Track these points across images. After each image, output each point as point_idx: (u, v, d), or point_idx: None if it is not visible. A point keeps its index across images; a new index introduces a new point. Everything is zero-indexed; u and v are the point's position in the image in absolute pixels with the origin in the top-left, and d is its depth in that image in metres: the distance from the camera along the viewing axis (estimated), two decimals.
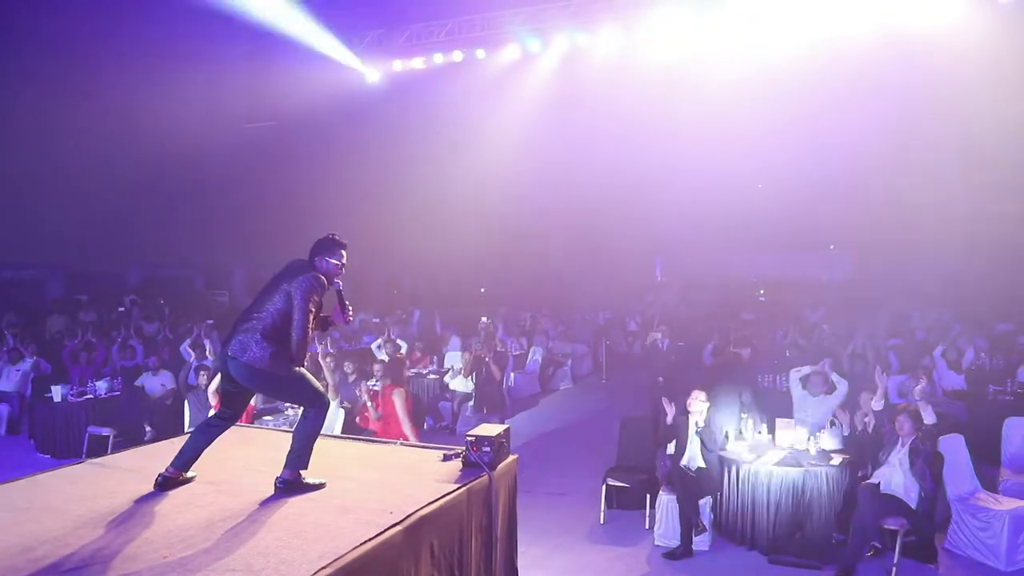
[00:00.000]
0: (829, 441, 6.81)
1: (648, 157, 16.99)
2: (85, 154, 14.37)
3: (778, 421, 7.12)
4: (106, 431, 9.43)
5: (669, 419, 7.04)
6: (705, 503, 6.58)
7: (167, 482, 4.13)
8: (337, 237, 4.39)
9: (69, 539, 3.44)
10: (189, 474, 4.24)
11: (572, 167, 17.47)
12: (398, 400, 7.92)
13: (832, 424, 6.96)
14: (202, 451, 4.27)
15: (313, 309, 4.21)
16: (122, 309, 16.37)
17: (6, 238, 14.22)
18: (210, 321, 12.56)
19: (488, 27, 14.47)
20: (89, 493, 4.12)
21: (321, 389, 4.33)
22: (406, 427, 7.90)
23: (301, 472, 4.14)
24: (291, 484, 4.09)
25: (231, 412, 4.36)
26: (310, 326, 4.20)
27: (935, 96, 13.50)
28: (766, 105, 14.34)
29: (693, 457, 6.81)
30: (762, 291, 19.50)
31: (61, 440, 9.64)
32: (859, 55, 12.64)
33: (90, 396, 9.95)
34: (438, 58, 15.44)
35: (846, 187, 16.93)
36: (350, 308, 4.55)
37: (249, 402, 4.49)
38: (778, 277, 19.58)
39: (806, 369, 7.56)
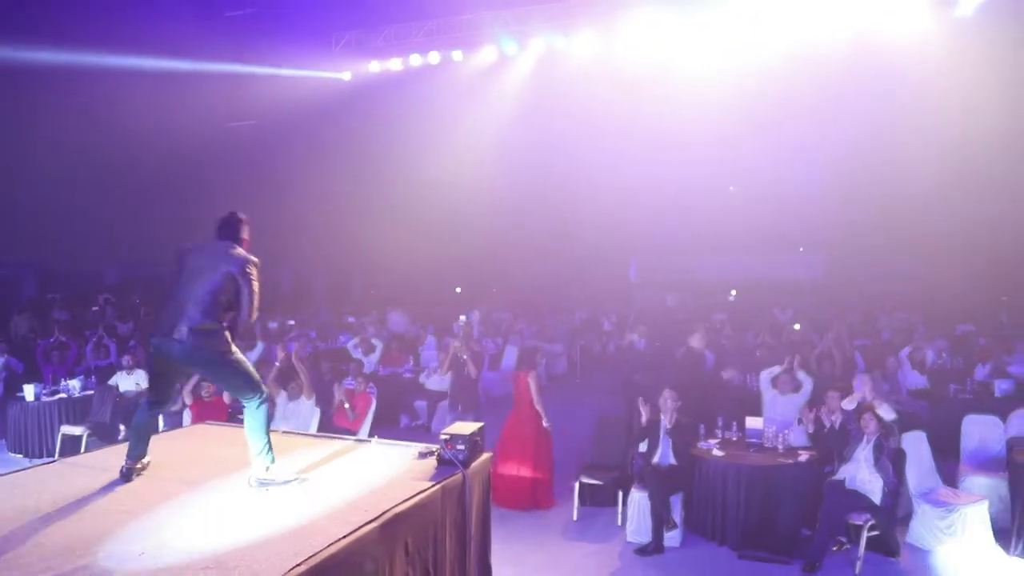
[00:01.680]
0: (797, 438, 6.98)
1: (623, 159, 17.15)
2: (63, 152, 14.21)
3: (747, 419, 7.27)
4: (79, 430, 9.37)
5: (644, 419, 7.16)
6: (676, 500, 6.70)
7: (130, 472, 4.27)
8: (240, 215, 4.64)
9: (42, 539, 3.44)
10: (145, 460, 4.40)
11: (548, 168, 17.59)
12: (533, 383, 7.86)
13: (799, 422, 7.12)
14: (149, 438, 4.44)
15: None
16: (96, 308, 16.22)
17: None
18: None
19: (466, 29, 14.53)
20: (62, 492, 4.11)
21: (259, 379, 4.39)
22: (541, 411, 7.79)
23: (270, 467, 4.22)
24: (265, 481, 4.16)
25: (162, 397, 4.45)
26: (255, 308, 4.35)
27: (906, 102, 13.80)
28: (739, 109, 14.56)
29: (664, 454, 6.93)
30: (734, 292, 19.75)
31: (33, 439, 9.57)
32: (831, 61, 12.89)
33: (63, 395, 9.88)
34: (415, 59, 15.46)
35: (817, 190, 17.21)
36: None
37: (175, 386, 4.59)
38: (749, 278, 19.85)
39: (776, 369, 7.72)
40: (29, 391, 9.77)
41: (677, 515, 6.64)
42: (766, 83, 13.72)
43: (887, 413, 6.28)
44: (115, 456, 5.03)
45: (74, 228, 16.45)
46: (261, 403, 4.31)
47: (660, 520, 6.50)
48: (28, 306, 15.96)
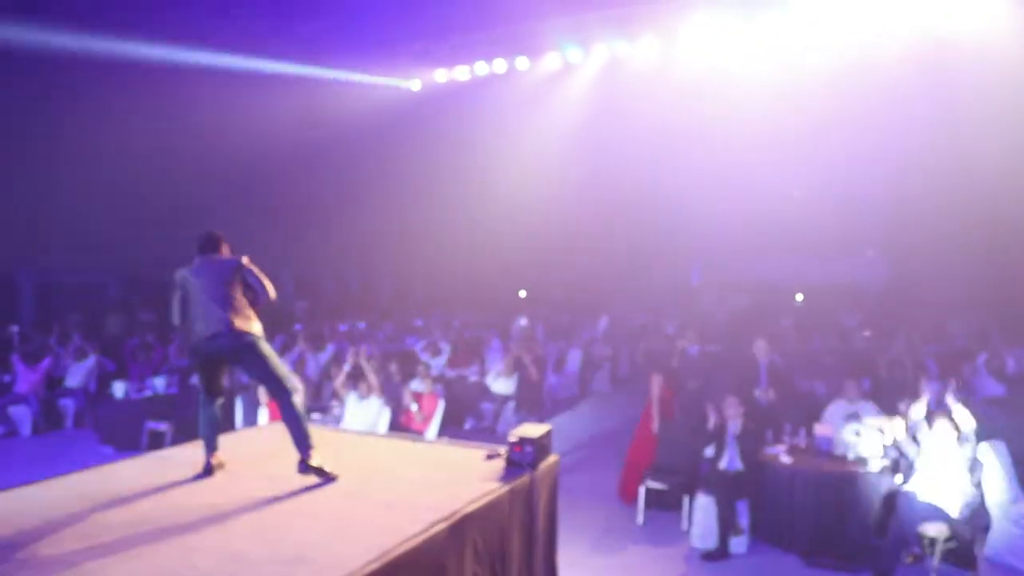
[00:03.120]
0: (867, 446, 6.85)
1: (686, 164, 17.00)
2: (137, 168, 14.85)
3: (816, 425, 7.18)
4: (164, 426, 9.80)
5: (711, 424, 7.14)
6: (743, 505, 6.66)
7: (210, 466, 4.64)
8: (217, 233, 5.02)
9: (134, 529, 3.63)
10: (220, 455, 4.75)
11: (611, 173, 17.55)
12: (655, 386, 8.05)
13: (870, 430, 6.99)
14: (218, 431, 4.82)
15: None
16: None
17: (70, 248, 14.84)
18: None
19: (530, 36, 14.65)
20: (150, 484, 4.35)
21: (289, 374, 4.74)
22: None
23: (310, 453, 4.46)
24: (307, 467, 4.44)
25: (216, 390, 4.83)
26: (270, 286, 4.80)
27: (973, 101, 13.29)
28: (802, 112, 14.27)
29: (731, 460, 6.90)
30: (800, 296, 19.33)
31: (122, 434, 10.05)
32: (895, 60, 12.53)
33: (149, 392, 10.40)
34: (481, 67, 15.66)
35: (883, 192, 16.72)
36: None
37: (222, 378, 4.87)
38: (815, 282, 19.39)
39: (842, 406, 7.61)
40: (119, 388, 10.33)
41: (744, 521, 6.61)
42: (829, 85, 13.42)
43: (964, 422, 6.11)
44: (198, 451, 5.31)
45: (150, 237, 17.22)
46: (294, 395, 4.60)
47: (726, 525, 6.48)
48: (117, 308, 16.78)
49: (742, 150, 15.61)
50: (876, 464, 6.56)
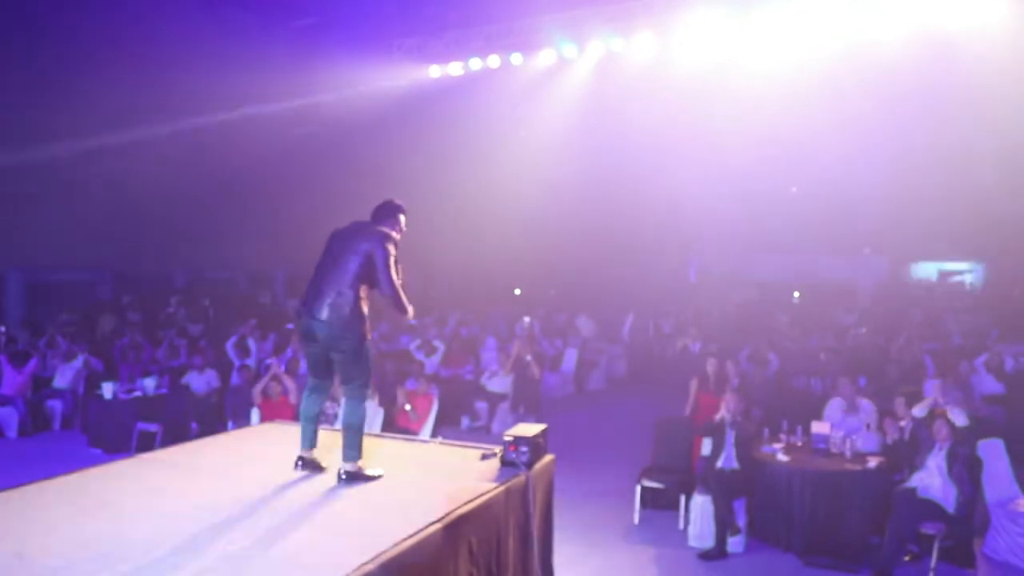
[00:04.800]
0: (865, 444, 6.82)
1: (683, 160, 16.95)
2: (131, 162, 14.76)
3: (813, 424, 7.13)
4: (154, 427, 9.71)
5: (691, 397, 7.11)
6: (740, 504, 6.62)
7: (304, 462, 4.45)
8: (397, 201, 4.63)
9: (125, 531, 3.56)
10: (316, 454, 4.50)
11: (608, 170, 17.49)
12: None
13: (868, 428, 6.96)
14: (316, 427, 4.52)
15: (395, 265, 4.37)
16: (171, 310, 16.82)
17: (59, 243, 14.68)
18: (253, 321, 12.87)
19: (524, 32, 14.56)
20: (141, 487, 4.28)
21: (371, 377, 4.51)
22: None
23: (359, 463, 4.31)
24: (353, 475, 4.27)
25: (323, 382, 4.55)
26: (398, 280, 4.35)
27: (971, 99, 13.28)
28: (800, 109, 14.24)
29: (728, 458, 6.85)
30: (797, 294, 19.35)
31: (112, 435, 9.93)
32: (895, 58, 12.49)
33: (139, 393, 10.27)
34: (475, 63, 15.57)
35: (881, 190, 16.71)
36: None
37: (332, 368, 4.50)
38: (812, 280, 19.42)
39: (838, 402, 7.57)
40: (107, 389, 10.18)
41: (741, 520, 6.56)
42: (827, 82, 13.37)
43: (959, 419, 6.07)
44: (187, 453, 5.23)
45: (144, 234, 17.11)
46: (364, 400, 4.42)
47: (723, 525, 6.43)
48: (106, 308, 16.65)
49: (739, 147, 15.57)
50: (874, 462, 6.51)
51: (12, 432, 10.71)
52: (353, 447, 4.31)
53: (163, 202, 16.69)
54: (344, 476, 4.26)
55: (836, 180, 16.57)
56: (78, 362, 11.70)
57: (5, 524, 3.68)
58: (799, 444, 7.05)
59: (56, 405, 11.32)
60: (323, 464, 4.46)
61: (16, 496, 4.14)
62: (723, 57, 13.43)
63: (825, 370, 8.89)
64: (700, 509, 6.65)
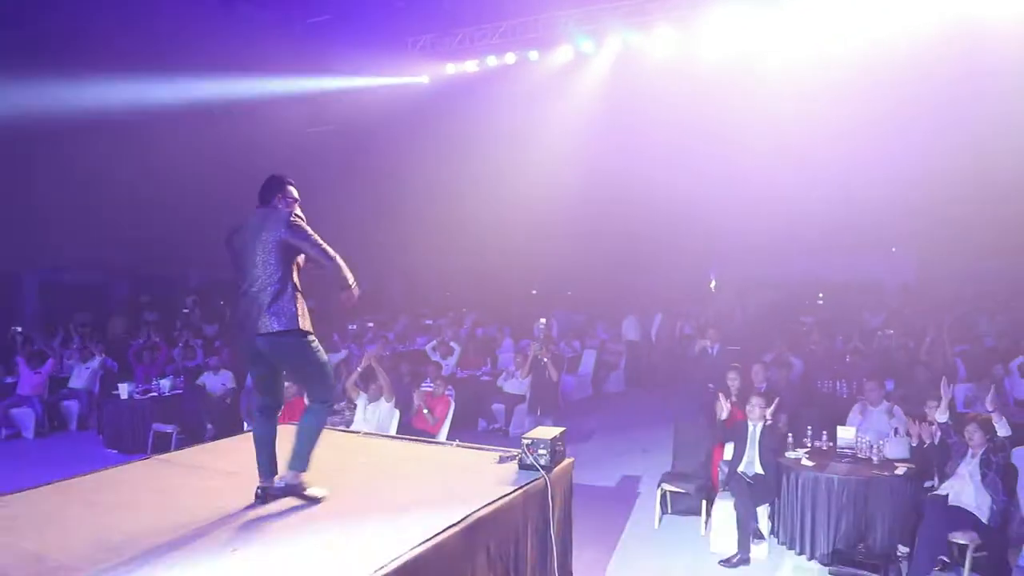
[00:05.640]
0: (893, 450, 6.62)
1: (703, 158, 16.73)
2: (145, 161, 14.79)
3: (839, 428, 6.95)
4: (170, 428, 9.68)
5: (723, 414, 6.92)
6: (763, 510, 6.45)
7: (264, 493, 4.00)
8: (277, 175, 4.23)
9: (141, 532, 3.56)
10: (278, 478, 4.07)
11: (626, 168, 17.29)
12: None
13: (895, 433, 6.76)
14: (274, 449, 4.13)
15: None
16: (186, 311, 16.84)
17: (75, 243, 14.73)
18: None
19: (541, 28, 14.44)
20: (156, 488, 4.29)
21: (334, 384, 4.24)
22: None
23: (303, 476, 3.96)
24: (291, 488, 3.93)
25: (274, 397, 4.19)
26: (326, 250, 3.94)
27: (1005, 92, 12.96)
28: (825, 105, 13.99)
29: (751, 463, 6.68)
30: (821, 294, 19.03)
31: (128, 436, 9.92)
32: (923, 50, 12.23)
33: (155, 394, 10.25)
34: (491, 60, 15.48)
35: (908, 186, 16.39)
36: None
37: (282, 383, 4.23)
38: (836, 280, 19.09)
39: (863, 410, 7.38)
40: (124, 389, 10.17)
41: (764, 526, 6.39)
42: (854, 75, 13.09)
43: (1003, 428, 5.81)
44: (203, 454, 5.19)
45: (159, 235, 17.17)
46: (329, 406, 4.15)
47: (746, 531, 6.27)
48: (122, 308, 16.69)
49: (762, 144, 15.31)
50: (903, 468, 6.32)
51: (29, 432, 10.72)
52: (302, 457, 3.98)
53: (178, 202, 16.74)
54: (279, 486, 3.93)
55: (862, 176, 16.25)
56: (94, 362, 11.71)
57: (25, 524, 3.70)
58: (824, 449, 6.88)
59: (72, 405, 11.33)
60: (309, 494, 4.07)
61: (35, 496, 4.19)
62: (745, 51, 13.22)
63: (851, 373, 8.69)
64: (723, 515, 6.49)
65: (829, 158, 15.90)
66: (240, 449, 5.35)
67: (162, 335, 13.55)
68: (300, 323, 3.87)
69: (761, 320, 14.67)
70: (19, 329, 12.65)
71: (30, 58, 12.33)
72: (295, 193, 4.20)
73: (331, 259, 3.92)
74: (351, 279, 3.99)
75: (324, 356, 4.05)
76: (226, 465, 4.74)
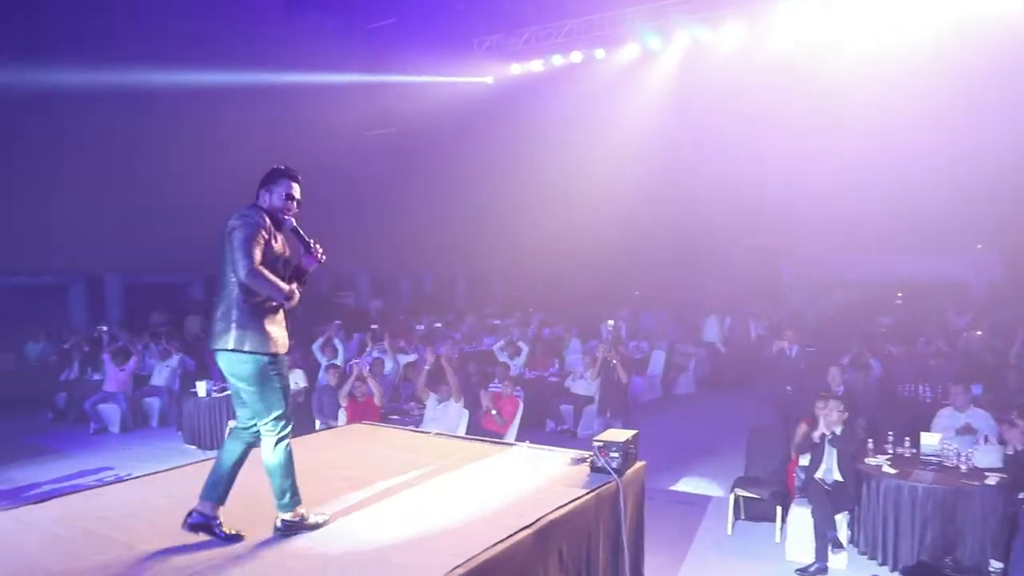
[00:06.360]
0: (983, 458, 6.29)
1: (774, 154, 16.33)
2: (218, 163, 15.27)
3: (923, 435, 6.65)
4: None
5: (801, 430, 6.70)
6: (842, 518, 6.22)
7: (196, 520, 3.52)
8: (283, 167, 3.76)
9: (228, 523, 3.61)
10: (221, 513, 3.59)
11: (695, 165, 17.02)
12: None
13: (986, 440, 6.43)
14: (225, 476, 3.64)
15: (261, 248, 3.46)
16: None
17: (154, 246, 15.30)
18: (338, 322, 13.07)
19: (607, 26, 14.33)
20: (235, 483, 4.35)
21: (286, 407, 3.58)
22: None
23: (299, 510, 3.65)
24: (292, 525, 3.61)
25: (240, 421, 3.73)
26: (263, 269, 3.43)
27: None
28: (901, 97, 13.44)
29: (829, 469, 6.45)
30: (900, 294, 18.30)
31: (205, 432, 10.21)
32: (1001, 39, 11.64)
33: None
34: (556, 60, 15.43)
35: (993, 180, 15.60)
36: (316, 246, 3.78)
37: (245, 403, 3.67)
38: (918, 279, 18.29)
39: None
40: (201, 387, 10.47)
41: (843, 535, 6.16)
42: (929, 66, 12.53)
43: None
44: None
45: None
46: (281, 437, 3.57)
47: (824, 539, 6.05)
48: (198, 308, 17.24)
49: (836, 138, 14.84)
50: (995, 478, 6.00)
51: (115, 427, 11.16)
52: (284, 493, 3.59)
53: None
54: (280, 527, 3.57)
55: (942, 170, 15.55)
56: (173, 361, 12.11)
57: (117, 516, 3.84)
58: (907, 456, 6.59)
59: (154, 402, 11.74)
60: (226, 529, 3.55)
61: (124, 489, 4.40)
62: (816, 43, 12.84)
63: (935, 376, 8.32)
64: (799, 522, 6.28)
65: (907, 152, 15.31)
66: (313, 447, 5.46)
67: None
68: (245, 342, 3.42)
69: (836, 321, 14.21)
70: (105, 328, 13.18)
71: (122, 69, 12.90)
72: (290, 189, 3.71)
73: (245, 272, 3.38)
74: (275, 295, 3.47)
75: (281, 381, 3.55)
76: (302, 464, 4.79)
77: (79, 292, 16.69)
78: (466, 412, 7.95)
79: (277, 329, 3.56)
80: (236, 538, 3.52)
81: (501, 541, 3.41)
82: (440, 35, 15.75)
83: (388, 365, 10.75)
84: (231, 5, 14.18)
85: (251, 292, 3.45)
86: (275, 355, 3.52)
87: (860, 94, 13.26)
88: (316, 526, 3.65)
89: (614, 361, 9.41)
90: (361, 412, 7.90)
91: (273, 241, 3.55)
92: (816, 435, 6.48)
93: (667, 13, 13.51)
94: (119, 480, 4.68)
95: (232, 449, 3.65)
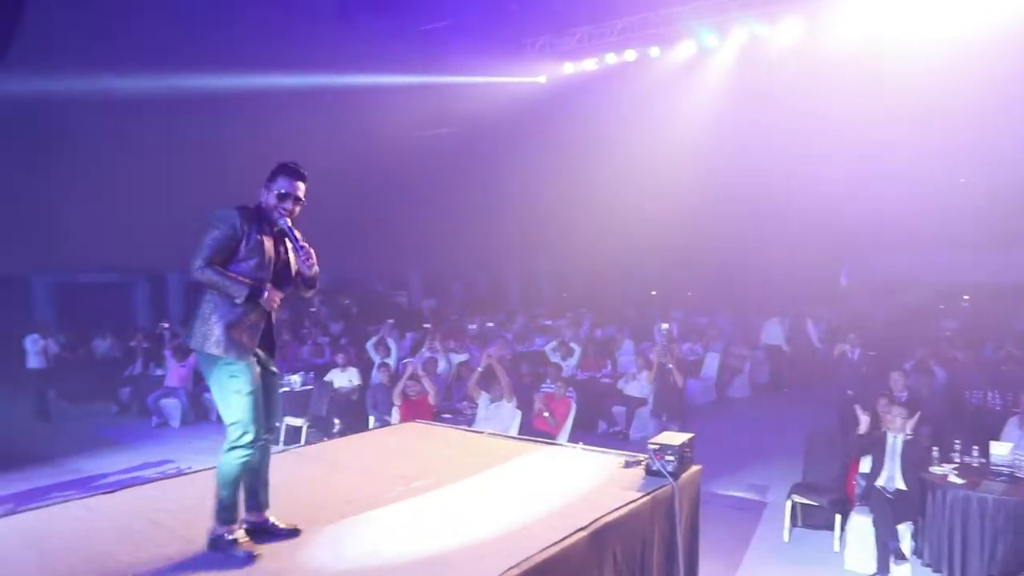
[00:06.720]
0: None
1: (834, 151, 15.91)
2: (270, 164, 15.57)
3: (992, 444, 6.39)
4: (300, 421, 10.14)
5: (862, 428, 6.51)
6: (905, 529, 6.02)
7: (229, 541, 3.36)
8: (285, 164, 3.57)
9: (284, 519, 3.66)
10: (240, 526, 3.45)
11: (751, 164, 16.70)
12: None
13: None
14: (265, 479, 3.60)
15: (224, 246, 3.33)
16: (313, 309, 17.62)
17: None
18: (391, 321, 13.22)
19: (661, 24, 14.18)
20: (293, 479, 4.43)
21: (254, 416, 3.36)
22: None
23: (231, 527, 3.36)
24: (215, 541, 3.36)
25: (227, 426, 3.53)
26: (214, 267, 3.31)
27: None
28: (965, 91, 12.95)
29: (891, 477, 6.26)
30: (966, 297, 17.62)
31: None
32: None
33: (286, 388, 10.73)
34: (610, 58, 15.31)
35: None
36: (308, 249, 3.56)
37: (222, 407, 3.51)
38: (985, 280, 17.57)
39: None
40: None
41: (906, 546, 5.96)
42: (995, 57, 12.05)
43: None
44: (334, 449, 5.37)
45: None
46: (234, 446, 3.35)
47: (887, 550, 5.86)
48: None
49: (898, 135, 14.39)
50: None
51: (175, 422, 11.48)
52: (222, 508, 3.36)
53: (306, 205, 17.49)
54: (208, 541, 3.37)
55: (1012, 165, 14.91)
56: None
57: (179, 508, 3.96)
58: (976, 465, 6.33)
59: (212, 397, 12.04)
60: (282, 525, 3.56)
61: (186, 483, 4.54)
62: (878, 36, 12.43)
63: (1005, 383, 8.00)
64: (859, 531, 6.10)
65: (974, 147, 14.76)
66: (368, 444, 5.54)
67: (290, 333, 14.20)
68: (211, 345, 3.31)
69: (898, 324, 13.78)
70: (166, 325, 13.58)
71: (183, 74, 13.28)
72: (285, 187, 3.52)
73: (192, 269, 3.32)
74: (230, 291, 3.31)
75: (242, 387, 3.35)
76: (358, 461, 4.88)
77: (143, 291, 17.26)
78: (518, 412, 7.94)
79: (243, 333, 3.34)
80: (293, 533, 3.55)
81: (556, 543, 3.38)
82: (493, 36, 15.79)
83: (441, 364, 10.82)
84: (284, 9, 14.46)
85: (214, 291, 3.34)
86: (236, 359, 3.33)
87: (924, 88, 12.80)
88: (239, 547, 3.32)
89: (670, 364, 9.30)
90: (415, 411, 7.96)
91: (252, 241, 3.37)
92: (873, 433, 6.30)
93: (723, 9, 13.29)
94: (180, 473, 4.78)
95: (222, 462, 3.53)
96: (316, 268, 3.57)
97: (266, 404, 3.49)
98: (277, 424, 3.72)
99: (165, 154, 14.96)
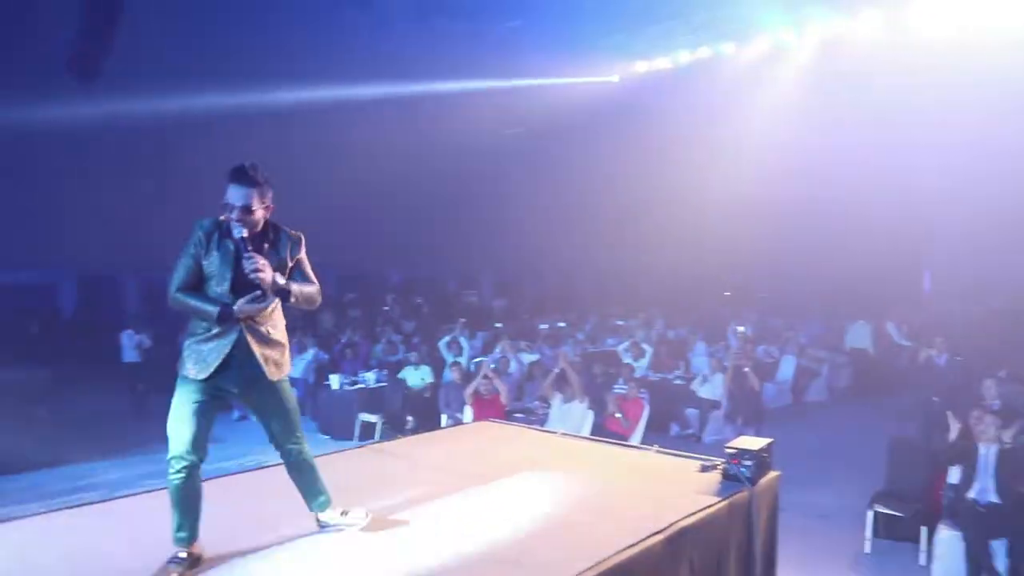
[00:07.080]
0: None
1: (917, 151, 15.27)
2: (355, 173, 15.89)
3: None
4: (374, 418, 10.37)
5: (952, 435, 6.23)
6: (1000, 545, 5.74)
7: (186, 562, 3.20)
8: (235, 167, 3.29)
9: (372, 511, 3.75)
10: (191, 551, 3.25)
11: (828, 165, 16.20)
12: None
13: None
14: (312, 479, 3.69)
15: (189, 266, 3.20)
16: (386, 308, 17.95)
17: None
18: (463, 320, 13.34)
19: (735, 21, 13.91)
20: (373, 476, 4.55)
21: (192, 435, 3.20)
22: None
23: (179, 548, 3.21)
24: (175, 559, 3.18)
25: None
26: (180, 295, 3.19)
27: None
28: None
29: (984, 490, 5.97)
30: None
31: (338, 423, 10.73)
32: None
33: (361, 385, 10.99)
34: (683, 56, 15.11)
35: None
36: (256, 258, 3.17)
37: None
38: None
39: None
40: (335, 380, 11.00)
41: (1001, 564, 5.68)
42: None
43: None
44: (410, 446, 5.47)
45: (362, 235, 18.44)
46: (168, 467, 3.21)
47: (978, 567, 5.60)
48: (329, 304, 18.08)
49: (984, 130, 13.70)
50: None
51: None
52: (174, 522, 3.23)
53: (381, 206, 17.86)
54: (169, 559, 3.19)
55: None
56: (308, 354, 12.73)
57: (266, 498, 4.07)
58: None
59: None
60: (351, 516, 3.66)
61: (266, 476, 4.57)
62: (963, 27, 11.89)
63: None
64: (947, 546, 5.85)
65: None
66: (442, 441, 5.61)
67: (364, 331, 14.49)
68: (180, 359, 3.29)
69: (987, 328, 13.13)
70: None
71: (265, 87, 13.72)
72: (227, 196, 3.26)
73: (168, 296, 3.25)
74: (203, 318, 3.21)
75: (177, 404, 3.25)
76: (433, 458, 4.94)
77: None
78: (590, 413, 7.92)
79: (199, 350, 3.23)
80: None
81: (632, 546, 3.34)
82: (566, 35, 15.76)
83: (513, 364, 10.89)
84: (360, 16, 14.74)
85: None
86: (184, 375, 3.23)
87: (1005, 84, 12.18)
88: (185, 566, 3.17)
89: (746, 368, 9.13)
90: (487, 410, 8.02)
91: (209, 257, 3.21)
92: (964, 442, 6.03)
93: (800, 4, 12.94)
94: (261, 467, 4.92)
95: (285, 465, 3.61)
96: (265, 278, 3.17)
97: (260, 420, 3.49)
98: (298, 435, 3.57)
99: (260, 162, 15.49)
